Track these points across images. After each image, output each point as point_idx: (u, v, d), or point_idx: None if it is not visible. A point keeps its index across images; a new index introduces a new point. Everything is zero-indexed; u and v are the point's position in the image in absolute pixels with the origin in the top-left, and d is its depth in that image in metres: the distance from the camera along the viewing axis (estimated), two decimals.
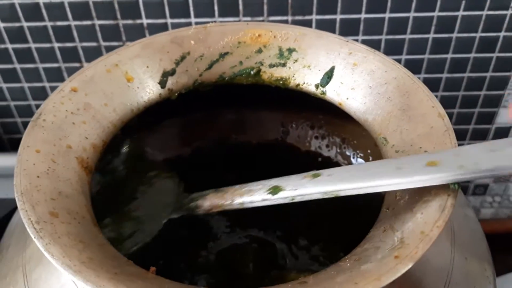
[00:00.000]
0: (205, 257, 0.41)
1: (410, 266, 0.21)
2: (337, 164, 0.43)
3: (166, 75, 0.34)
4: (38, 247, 0.22)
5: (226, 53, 0.35)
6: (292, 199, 0.28)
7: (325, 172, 0.28)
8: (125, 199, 0.34)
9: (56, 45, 0.55)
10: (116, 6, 0.52)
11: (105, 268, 0.22)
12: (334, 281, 0.21)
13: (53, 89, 0.58)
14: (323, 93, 0.34)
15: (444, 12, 0.53)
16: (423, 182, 0.24)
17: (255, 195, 0.29)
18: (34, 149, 0.27)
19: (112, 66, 0.32)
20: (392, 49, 0.56)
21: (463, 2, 0.52)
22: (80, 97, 0.30)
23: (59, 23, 0.53)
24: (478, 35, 0.55)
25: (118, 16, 0.53)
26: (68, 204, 0.25)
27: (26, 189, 0.24)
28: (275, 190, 0.28)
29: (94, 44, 0.55)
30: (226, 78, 0.35)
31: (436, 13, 0.53)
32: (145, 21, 0.53)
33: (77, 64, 0.57)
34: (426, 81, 0.58)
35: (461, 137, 0.64)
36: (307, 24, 0.54)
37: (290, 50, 0.35)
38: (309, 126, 0.45)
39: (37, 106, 0.61)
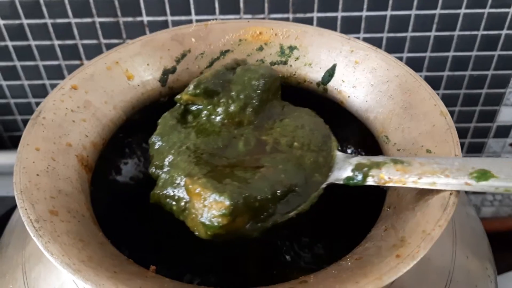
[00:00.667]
0: (206, 255, 0.41)
1: (411, 265, 0.21)
2: None
3: (166, 72, 0.34)
4: (38, 245, 0.22)
5: (227, 51, 0.35)
6: (496, 190, 0.23)
7: None
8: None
9: (56, 42, 0.55)
10: (117, 3, 0.52)
11: (105, 266, 0.22)
12: (335, 280, 0.21)
13: (53, 86, 0.58)
14: (325, 91, 0.34)
15: (446, 10, 0.53)
16: None
17: (453, 177, 0.24)
18: (34, 147, 0.27)
19: (112, 64, 0.32)
20: (393, 47, 0.56)
21: (465, 0, 0.52)
22: (80, 94, 0.30)
23: (59, 21, 0.53)
24: (480, 33, 0.54)
25: (119, 13, 0.53)
26: (68, 202, 0.25)
27: (26, 187, 0.24)
28: (482, 175, 0.24)
29: (94, 41, 0.55)
30: None
31: (437, 11, 0.53)
32: (145, 18, 0.53)
33: (77, 62, 0.57)
34: (427, 79, 0.58)
35: (462, 135, 0.64)
36: (308, 21, 0.53)
37: (291, 48, 0.35)
38: None
39: (37, 104, 0.61)
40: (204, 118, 0.30)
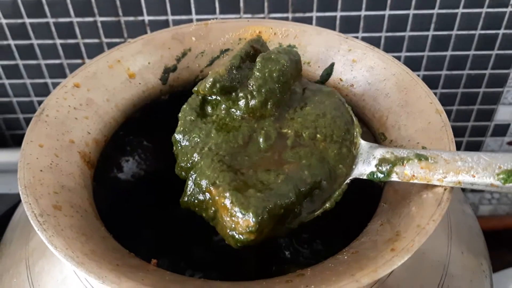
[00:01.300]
0: (207, 252, 0.41)
1: (406, 258, 0.21)
2: None
3: (167, 71, 0.34)
4: (42, 239, 0.22)
5: (227, 50, 0.35)
6: None
7: None
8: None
9: (58, 41, 0.55)
10: (118, 3, 0.52)
11: (107, 259, 0.22)
12: (331, 273, 0.22)
13: (55, 85, 0.58)
14: None
15: (443, 10, 0.53)
16: None
17: (479, 177, 0.24)
18: (38, 143, 0.27)
19: (114, 62, 0.33)
20: (392, 46, 0.56)
21: (463, 0, 0.52)
22: (82, 92, 0.31)
23: (61, 20, 0.54)
24: (478, 32, 0.55)
25: (120, 13, 0.53)
26: (71, 197, 0.26)
27: (30, 183, 0.25)
28: (509, 177, 0.23)
29: (96, 40, 0.56)
30: None
31: (436, 11, 0.53)
32: (146, 18, 0.54)
33: (79, 61, 0.57)
34: (425, 78, 0.59)
35: (460, 133, 0.65)
36: (308, 21, 0.54)
37: (290, 47, 0.35)
38: None
39: (39, 102, 0.61)
40: (224, 112, 0.29)
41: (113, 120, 0.32)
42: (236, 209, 0.24)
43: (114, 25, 0.54)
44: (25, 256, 0.29)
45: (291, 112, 0.30)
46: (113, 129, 0.32)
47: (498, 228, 0.70)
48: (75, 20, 0.54)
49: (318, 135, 0.28)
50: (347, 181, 0.28)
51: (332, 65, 0.34)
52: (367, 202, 0.30)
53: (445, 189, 0.24)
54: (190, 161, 0.28)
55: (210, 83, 0.28)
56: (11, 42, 0.55)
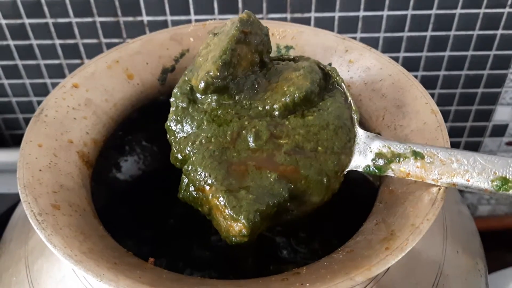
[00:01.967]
0: (204, 251, 0.41)
1: (400, 257, 0.22)
2: None
3: (165, 71, 0.35)
4: (41, 238, 0.23)
5: None
6: None
7: None
8: None
9: (57, 41, 0.56)
10: (117, 3, 0.53)
11: (105, 258, 0.22)
12: (326, 271, 0.22)
13: (54, 85, 0.59)
14: None
15: (441, 10, 0.53)
16: None
17: (474, 181, 0.24)
18: (37, 143, 0.27)
19: (112, 63, 0.33)
20: (390, 47, 0.56)
21: (461, 0, 0.52)
22: (81, 92, 0.31)
23: (60, 20, 0.54)
24: (476, 33, 0.55)
25: (119, 13, 0.53)
26: (69, 197, 0.26)
27: (29, 182, 0.25)
28: (503, 184, 0.23)
29: (95, 41, 0.56)
30: None
31: (434, 11, 0.53)
32: (145, 18, 0.54)
33: (78, 61, 0.57)
34: (423, 79, 0.59)
35: (458, 134, 0.65)
36: (306, 21, 0.54)
37: (288, 48, 0.35)
38: None
39: (39, 102, 0.61)
40: (214, 104, 0.29)
41: (111, 120, 0.32)
42: (229, 212, 0.25)
43: (113, 26, 0.54)
44: (24, 255, 0.30)
45: (292, 118, 0.28)
46: (112, 129, 0.32)
47: (496, 228, 0.70)
48: (74, 20, 0.54)
49: (319, 148, 0.28)
50: (344, 172, 0.28)
51: (329, 65, 0.34)
52: (364, 202, 0.30)
53: (439, 189, 0.24)
54: (183, 154, 0.28)
55: (203, 85, 0.27)
56: (11, 42, 0.56)
